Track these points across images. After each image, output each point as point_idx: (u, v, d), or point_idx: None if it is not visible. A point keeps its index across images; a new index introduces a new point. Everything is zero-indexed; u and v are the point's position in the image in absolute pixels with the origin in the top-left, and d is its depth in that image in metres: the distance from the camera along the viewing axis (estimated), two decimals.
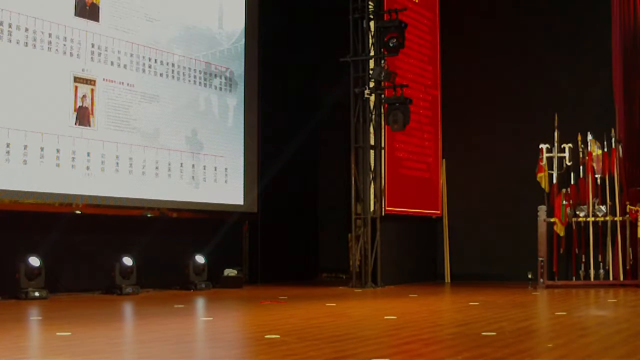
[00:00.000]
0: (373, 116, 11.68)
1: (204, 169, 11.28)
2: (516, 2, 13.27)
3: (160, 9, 10.80)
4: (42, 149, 9.25)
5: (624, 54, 11.88)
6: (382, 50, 11.50)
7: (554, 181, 11.68)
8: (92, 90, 9.87)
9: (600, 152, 11.59)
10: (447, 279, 13.13)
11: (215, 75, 11.56)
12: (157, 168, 10.60)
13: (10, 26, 9.03)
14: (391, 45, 11.35)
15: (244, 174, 11.88)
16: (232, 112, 11.84)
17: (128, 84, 10.31)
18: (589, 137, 11.64)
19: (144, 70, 10.54)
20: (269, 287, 11.29)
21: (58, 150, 9.43)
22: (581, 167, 11.66)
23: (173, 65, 10.93)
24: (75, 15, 9.74)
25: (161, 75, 10.76)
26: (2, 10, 8.96)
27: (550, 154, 11.72)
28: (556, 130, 11.70)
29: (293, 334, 5.87)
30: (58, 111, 9.48)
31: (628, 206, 11.32)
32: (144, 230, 10.44)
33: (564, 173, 11.72)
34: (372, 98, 11.65)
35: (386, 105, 11.49)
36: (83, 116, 9.75)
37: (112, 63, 10.14)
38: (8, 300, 8.80)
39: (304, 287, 11.49)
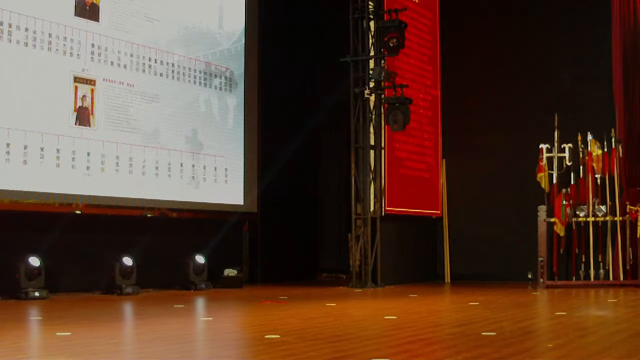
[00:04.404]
0: (373, 116, 11.68)
1: (204, 169, 11.28)
2: (516, 2, 13.27)
3: (160, 9, 10.81)
4: (42, 149, 9.25)
5: (624, 54, 11.88)
6: (382, 50, 11.50)
7: (554, 181, 11.68)
8: (92, 90, 9.87)
9: (600, 152, 11.59)
10: (447, 279, 13.13)
11: (215, 75, 11.56)
12: (157, 168, 10.60)
13: (10, 26, 9.03)
14: (391, 45, 11.35)
15: (244, 174, 11.88)
16: (232, 112, 11.84)
17: (128, 84, 10.31)
18: (589, 137, 11.64)
19: (144, 70, 10.54)
20: (269, 287, 11.29)
21: (58, 150, 9.43)
22: (581, 167, 11.67)
23: (173, 65, 10.93)
24: (75, 15, 9.74)
25: (161, 75, 10.76)
26: (2, 10, 8.97)
27: (550, 154, 11.72)
28: (556, 130, 11.70)
29: (293, 334, 5.87)
30: (58, 111, 9.48)
31: (628, 206, 11.32)
32: (144, 230, 10.44)
33: (564, 173, 11.72)
34: (372, 98, 11.65)
35: (386, 105, 11.49)
36: (83, 116, 9.75)
37: (112, 63, 10.14)
38: (8, 300, 8.80)
39: (304, 287, 11.49)
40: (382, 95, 11.64)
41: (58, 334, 5.87)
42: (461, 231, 13.15)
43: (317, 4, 13.67)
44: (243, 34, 12.03)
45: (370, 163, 11.63)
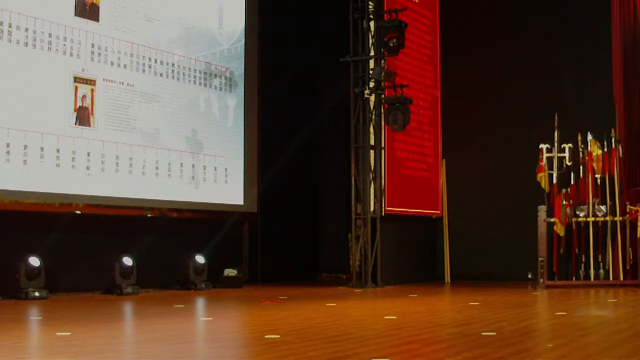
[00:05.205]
0: (373, 116, 11.68)
1: (204, 169, 11.28)
2: (516, 2, 13.27)
3: (160, 9, 10.80)
4: (42, 149, 9.25)
5: (624, 54, 11.88)
6: (382, 50, 11.50)
7: (554, 181, 11.68)
8: (92, 90, 9.87)
9: (600, 152, 11.59)
10: (447, 279, 13.13)
11: (215, 75, 11.56)
12: (157, 168, 10.60)
13: (10, 26, 9.03)
14: (391, 45, 11.35)
15: (244, 174, 11.88)
16: (232, 112, 11.84)
17: (128, 84, 10.31)
18: (589, 137, 11.64)
19: (144, 70, 10.54)
20: (269, 287, 11.29)
21: (58, 150, 9.43)
22: (581, 167, 11.67)
23: (173, 65, 10.93)
24: (75, 15, 9.74)
25: (161, 75, 10.76)
26: (2, 10, 8.97)
27: (550, 154, 11.72)
28: (556, 130, 11.70)
29: (293, 334, 5.87)
30: (58, 111, 9.48)
31: (628, 206, 11.32)
32: (144, 230, 10.44)
33: (564, 173, 11.72)
34: (372, 98, 11.66)
35: (386, 105, 11.49)
36: (83, 116, 9.75)
37: (112, 63, 10.14)
38: (8, 300, 8.80)
39: (304, 287, 11.49)
40: (382, 95, 11.64)
41: (58, 334, 5.88)
42: (461, 231, 13.15)
43: (317, 4, 13.66)
44: (243, 34, 12.03)
45: (370, 163, 11.63)
